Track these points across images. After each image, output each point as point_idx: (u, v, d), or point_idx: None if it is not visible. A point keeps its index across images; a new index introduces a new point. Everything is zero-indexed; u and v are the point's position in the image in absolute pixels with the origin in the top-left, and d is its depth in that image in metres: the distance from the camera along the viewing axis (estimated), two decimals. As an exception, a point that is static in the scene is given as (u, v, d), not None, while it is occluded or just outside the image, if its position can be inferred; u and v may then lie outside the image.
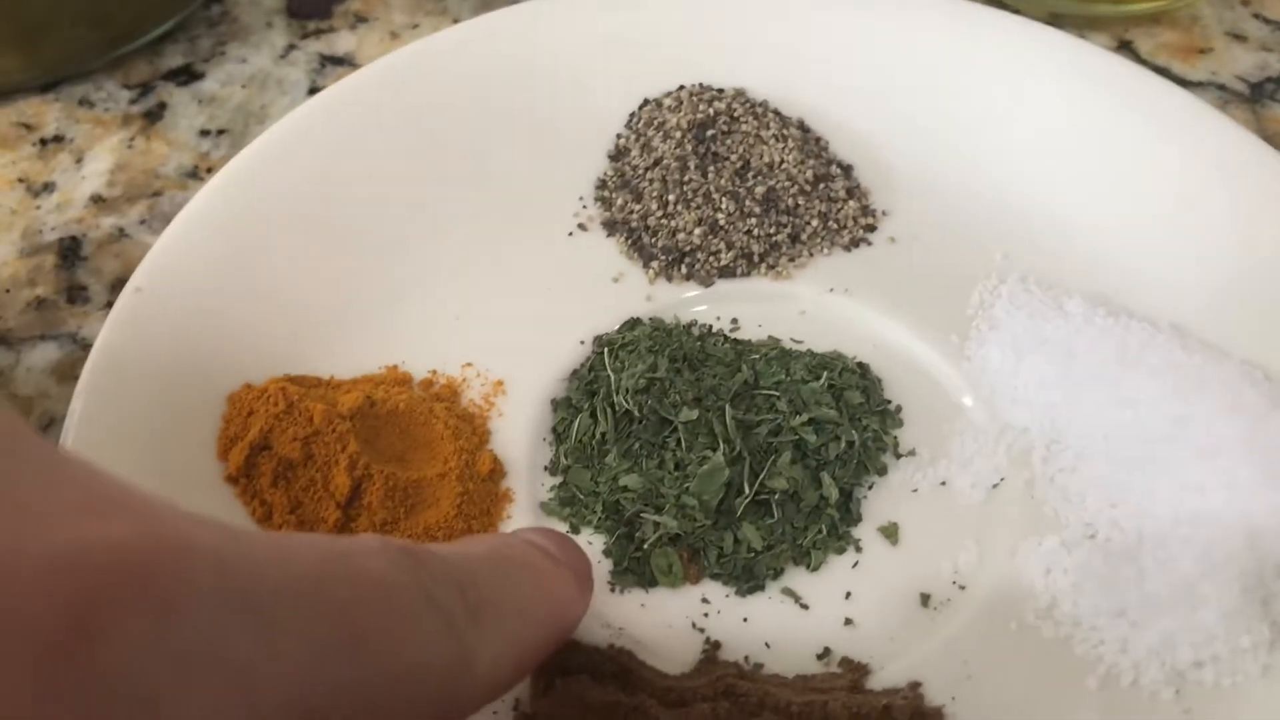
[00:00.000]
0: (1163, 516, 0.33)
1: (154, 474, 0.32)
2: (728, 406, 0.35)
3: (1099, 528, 0.33)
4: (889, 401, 0.37)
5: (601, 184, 0.41)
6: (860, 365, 0.37)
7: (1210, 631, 0.31)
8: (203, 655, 0.15)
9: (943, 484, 0.35)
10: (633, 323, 0.38)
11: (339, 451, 0.33)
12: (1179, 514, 0.33)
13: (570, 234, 0.40)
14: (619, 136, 0.42)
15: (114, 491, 0.16)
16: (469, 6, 0.51)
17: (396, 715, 0.20)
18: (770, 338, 0.38)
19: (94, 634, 0.14)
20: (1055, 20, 0.50)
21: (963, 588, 0.33)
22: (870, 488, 0.35)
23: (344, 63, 0.49)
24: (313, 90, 0.48)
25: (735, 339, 0.38)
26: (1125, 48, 0.49)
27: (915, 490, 0.35)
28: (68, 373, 0.39)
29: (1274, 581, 0.32)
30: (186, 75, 0.49)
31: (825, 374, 0.36)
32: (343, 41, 0.50)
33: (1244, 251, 0.37)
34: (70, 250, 0.43)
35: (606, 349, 0.37)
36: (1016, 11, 0.50)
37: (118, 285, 0.41)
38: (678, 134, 0.40)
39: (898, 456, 0.36)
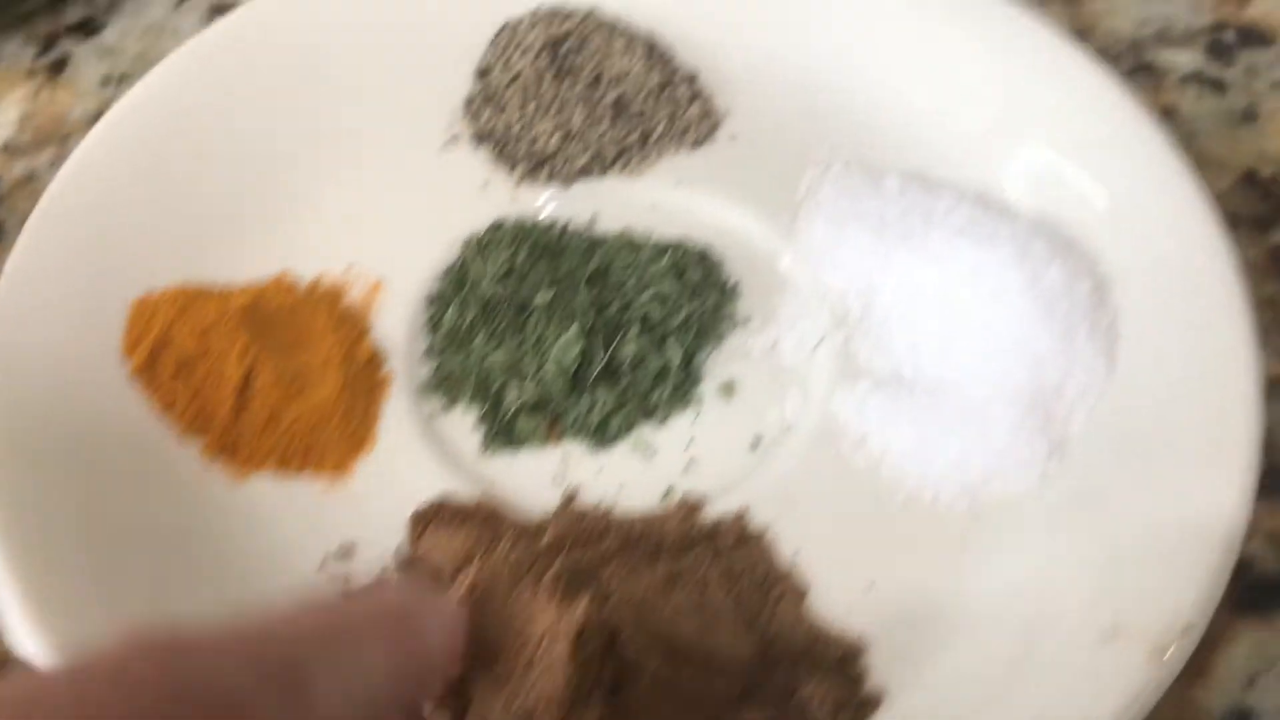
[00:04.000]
0: (959, 354, 0.38)
1: (68, 372, 0.37)
2: (582, 287, 0.39)
3: (906, 370, 0.38)
4: (727, 278, 0.41)
5: (470, 100, 0.45)
6: (703, 248, 0.42)
7: (997, 449, 0.36)
8: None
9: (774, 346, 0.40)
10: (499, 223, 0.42)
11: (231, 344, 0.37)
12: (973, 351, 0.37)
13: (442, 147, 0.44)
14: (484, 55, 0.46)
15: None
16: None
17: None
18: (624, 230, 0.43)
19: None
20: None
21: (788, 430, 0.38)
22: (710, 353, 0.40)
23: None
24: (206, 35, 0.51)
25: (592, 233, 0.42)
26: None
27: (749, 353, 0.40)
28: (-10, 302, 0.43)
29: (1052, 403, 0.36)
30: (87, 29, 0.52)
31: (669, 255, 0.40)
32: (233, -11, 0.53)
33: (1025, 122, 0.41)
34: (-14, 194, 0.47)
35: (470, 248, 0.41)
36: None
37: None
38: (533, 52, 0.44)
39: (734, 325, 0.40)
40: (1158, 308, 0.37)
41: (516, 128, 0.44)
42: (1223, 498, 0.32)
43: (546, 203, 0.43)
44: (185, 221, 0.41)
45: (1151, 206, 0.38)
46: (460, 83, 0.46)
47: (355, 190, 0.43)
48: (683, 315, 0.39)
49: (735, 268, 0.42)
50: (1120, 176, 0.39)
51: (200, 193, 0.42)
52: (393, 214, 0.43)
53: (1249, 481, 0.32)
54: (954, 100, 0.43)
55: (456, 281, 0.41)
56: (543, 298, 0.39)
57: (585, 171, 0.43)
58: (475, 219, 0.43)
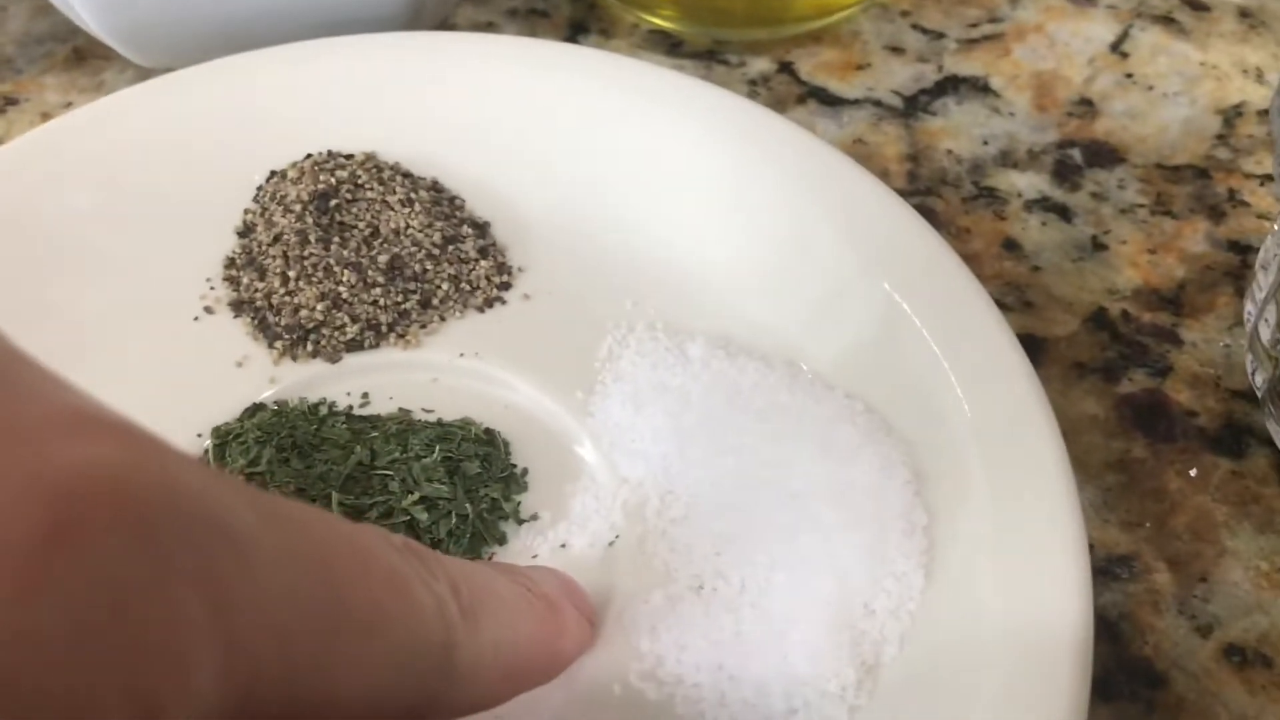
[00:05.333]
0: (761, 563, 0.33)
1: None
2: (335, 493, 0.34)
3: (705, 579, 0.33)
4: (514, 466, 0.36)
5: (230, 262, 0.40)
6: (487, 432, 0.37)
7: (799, 677, 0.31)
8: (178, 570, 0.15)
9: (563, 546, 0.35)
10: (254, 409, 0.37)
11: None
12: (775, 560, 0.33)
13: (196, 318, 0.39)
14: (246, 212, 0.41)
15: (101, 414, 0.16)
16: (125, 80, 0.49)
17: (370, 680, 0.19)
18: (400, 410, 0.38)
19: (71, 546, 0.14)
20: (719, 47, 0.50)
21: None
22: (490, 558, 0.35)
23: (-10, 149, 0.47)
24: (-48, 182, 0.45)
25: (360, 416, 0.37)
26: (786, 69, 0.49)
27: (535, 556, 0.35)
28: None
29: (862, 620, 0.32)
30: None
31: (440, 447, 0.35)
32: (-11, 127, 0.48)
33: (842, 284, 0.37)
34: None
35: (219, 442, 0.36)
36: (679, 44, 0.50)
37: None
38: (298, 206, 0.39)
39: (519, 523, 0.35)
40: (978, 507, 0.33)
41: (278, 295, 0.39)
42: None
43: (311, 381, 0.38)
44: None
45: (976, 387, 0.34)
46: (223, 243, 0.41)
47: (94, 375, 0.37)
48: (453, 522, 0.34)
49: (525, 451, 0.37)
50: (943, 348, 0.35)
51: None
52: (134, 401, 0.37)
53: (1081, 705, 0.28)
54: (767, 255, 0.39)
55: (197, 486, 0.35)
56: (286, 511, 0.34)
57: (355, 344, 0.38)
58: (228, 403, 0.37)
